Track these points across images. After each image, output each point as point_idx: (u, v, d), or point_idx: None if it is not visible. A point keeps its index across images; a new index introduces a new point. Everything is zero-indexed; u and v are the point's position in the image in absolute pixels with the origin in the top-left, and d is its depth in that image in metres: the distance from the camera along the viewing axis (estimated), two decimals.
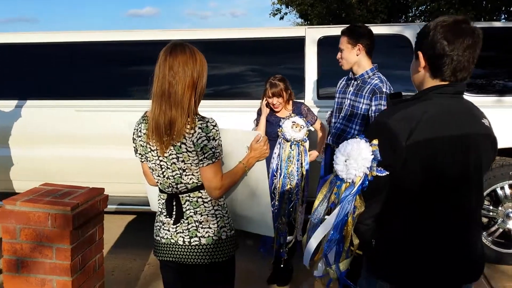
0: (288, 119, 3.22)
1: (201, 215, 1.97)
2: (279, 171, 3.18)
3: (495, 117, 3.46)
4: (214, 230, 1.98)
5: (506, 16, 11.63)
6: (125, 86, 4.30)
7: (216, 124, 1.90)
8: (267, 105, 3.37)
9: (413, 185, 1.55)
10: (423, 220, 1.57)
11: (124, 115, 4.00)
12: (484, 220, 3.80)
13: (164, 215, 2.04)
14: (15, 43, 4.43)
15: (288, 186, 3.19)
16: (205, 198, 1.98)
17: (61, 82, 4.32)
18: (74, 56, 4.39)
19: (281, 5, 16.65)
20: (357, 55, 2.97)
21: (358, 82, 2.99)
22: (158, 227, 2.08)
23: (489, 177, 3.59)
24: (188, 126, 1.85)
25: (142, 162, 2.08)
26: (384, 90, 2.85)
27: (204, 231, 1.97)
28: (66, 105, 4.16)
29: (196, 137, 1.85)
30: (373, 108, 2.86)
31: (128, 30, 4.42)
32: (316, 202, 1.86)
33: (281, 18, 17.57)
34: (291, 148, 3.18)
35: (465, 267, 1.61)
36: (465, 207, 1.59)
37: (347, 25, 3.13)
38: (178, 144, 1.86)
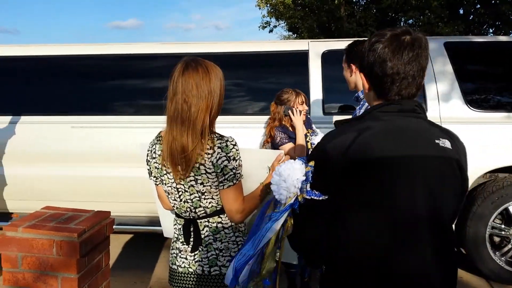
0: (315, 135, 3.08)
1: (222, 242, 1.85)
2: None
3: (504, 133, 3.50)
4: None
5: (493, 29, 11.81)
6: (124, 102, 4.16)
7: (236, 143, 1.79)
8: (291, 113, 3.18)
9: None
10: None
11: (124, 132, 3.87)
12: (496, 239, 3.71)
13: (181, 242, 1.90)
14: (4, 56, 4.26)
15: None
16: (226, 223, 1.86)
17: (56, 97, 4.16)
18: (69, 70, 4.23)
19: (270, 18, 16.69)
20: (350, 76, 2.76)
21: (358, 105, 2.78)
22: (175, 255, 1.94)
23: (501, 195, 3.51)
24: (208, 146, 1.73)
25: (157, 185, 1.95)
26: None
27: (225, 259, 1.84)
28: (62, 121, 3.99)
29: (216, 157, 1.73)
30: None
31: (126, 43, 4.28)
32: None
33: (271, 31, 17.64)
34: None
35: None
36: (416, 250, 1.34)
37: (353, 39, 2.99)
38: (197, 165, 1.74)
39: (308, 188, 1.44)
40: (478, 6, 11.92)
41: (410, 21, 13.34)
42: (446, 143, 1.38)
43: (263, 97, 4.03)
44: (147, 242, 4.56)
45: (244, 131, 3.70)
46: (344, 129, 1.42)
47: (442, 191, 1.36)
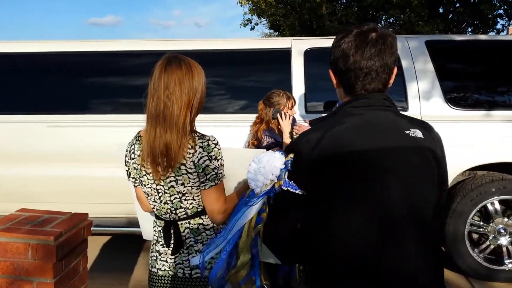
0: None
1: (203, 244, 1.81)
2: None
3: (483, 131, 3.54)
4: None
5: (472, 28, 12.01)
6: (101, 100, 4.07)
7: (218, 142, 1.76)
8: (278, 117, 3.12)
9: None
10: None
11: (101, 131, 3.79)
12: (475, 236, 3.76)
13: (161, 245, 1.86)
14: None
15: None
16: (207, 224, 1.82)
17: (31, 95, 4.04)
18: (44, 67, 4.12)
19: (252, 16, 16.65)
20: None
21: None
22: (154, 258, 1.89)
23: (479, 193, 3.55)
24: (189, 146, 1.69)
25: (136, 186, 1.89)
26: None
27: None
28: (37, 120, 3.87)
29: (197, 157, 1.69)
30: None
31: (104, 40, 4.20)
32: None
33: (252, 28, 17.58)
34: None
35: None
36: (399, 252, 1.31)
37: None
38: (177, 165, 1.69)
39: (286, 178, 1.43)
40: (458, 5, 12.10)
41: (391, 19, 13.45)
42: (417, 133, 1.37)
43: (245, 96, 4.00)
44: (125, 244, 4.48)
45: (226, 130, 3.65)
46: (318, 126, 1.44)
47: (418, 182, 1.34)
